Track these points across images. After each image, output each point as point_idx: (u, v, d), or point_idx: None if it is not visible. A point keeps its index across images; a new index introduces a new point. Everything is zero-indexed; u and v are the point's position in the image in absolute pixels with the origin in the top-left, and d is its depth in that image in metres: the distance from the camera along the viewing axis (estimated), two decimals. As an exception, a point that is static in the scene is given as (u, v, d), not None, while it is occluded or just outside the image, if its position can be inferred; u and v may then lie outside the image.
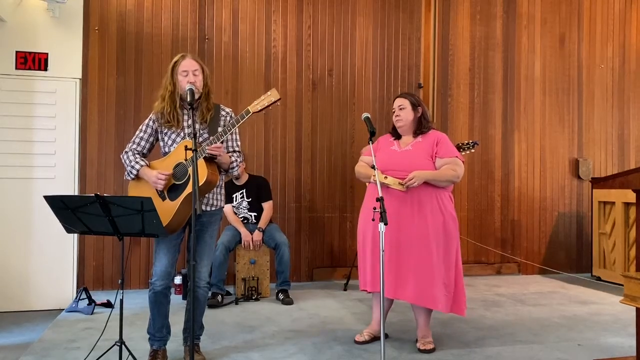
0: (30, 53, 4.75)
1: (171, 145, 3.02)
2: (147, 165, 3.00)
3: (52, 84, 4.82)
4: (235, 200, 4.85)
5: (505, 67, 6.21)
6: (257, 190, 4.88)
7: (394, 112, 3.52)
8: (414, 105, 3.48)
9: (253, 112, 2.89)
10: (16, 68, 4.71)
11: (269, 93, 2.89)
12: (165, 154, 3.05)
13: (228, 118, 3.11)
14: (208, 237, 3.07)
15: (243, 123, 2.93)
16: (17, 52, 4.71)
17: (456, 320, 4.01)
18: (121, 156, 3.08)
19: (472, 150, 4.92)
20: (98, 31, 5.06)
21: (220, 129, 2.98)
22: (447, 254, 3.30)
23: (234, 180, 4.84)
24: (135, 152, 3.05)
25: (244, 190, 4.86)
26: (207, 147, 2.82)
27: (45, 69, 4.79)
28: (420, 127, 3.48)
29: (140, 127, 3.10)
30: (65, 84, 4.88)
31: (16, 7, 4.69)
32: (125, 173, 3.05)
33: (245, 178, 4.88)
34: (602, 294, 5.08)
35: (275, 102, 2.88)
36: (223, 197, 3.16)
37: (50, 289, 4.73)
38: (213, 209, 3.07)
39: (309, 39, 5.65)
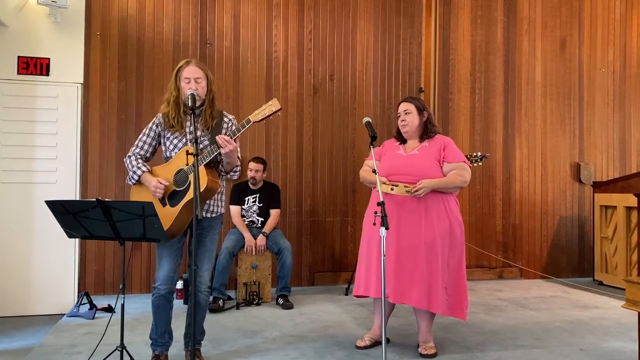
0: (32, 58, 4.77)
1: (172, 150, 3.03)
2: (149, 171, 3.00)
3: (54, 89, 4.84)
4: (247, 203, 4.88)
5: (506, 71, 6.21)
6: (270, 197, 4.94)
7: (399, 116, 3.50)
8: (420, 110, 3.46)
9: (254, 122, 2.90)
10: (18, 73, 4.73)
11: (270, 103, 2.89)
12: (167, 158, 3.06)
13: (231, 124, 3.10)
14: (209, 242, 3.07)
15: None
16: (19, 57, 4.73)
17: (458, 324, 4.00)
18: (124, 160, 3.09)
19: (480, 164, 4.88)
20: (100, 36, 5.08)
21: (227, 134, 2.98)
22: (451, 258, 3.30)
23: (250, 184, 4.87)
24: (138, 156, 3.06)
25: (258, 195, 4.90)
26: (217, 137, 2.82)
27: (47, 74, 4.81)
28: (426, 131, 3.45)
29: (143, 131, 3.11)
30: (67, 88, 4.90)
31: (18, 12, 4.71)
32: (127, 177, 3.06)
33: (260, 184, 4.93)
34: (604, 299, 5.07)
35: (276, 112, 2.89)
36: (223, 204, 3.17)
37: (51, 294, 4.74)
38: (213, 215, 3.08)
39: (310, 44, 5.66)
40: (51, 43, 4.82)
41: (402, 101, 3.57)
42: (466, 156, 4.81)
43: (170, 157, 3.03)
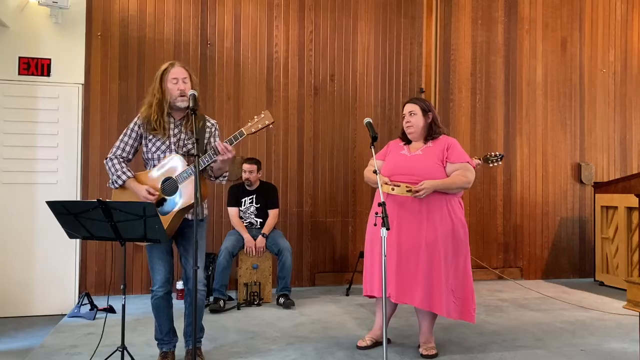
0: (33, 59, 4.77)
1: (155, 152, 3.00)
2: (134, 177, 2.97)
3: (55, 90, 4.84)
4: (244, 205, 4.87)
5: (507, 72, 6.21)
6: (266, 197, 4.91)
7: (403, 117, 3.49)
8: (425, 111, 3.43)
9: (247, 134, 2.91)
10: (19, 74, 4.74)
11: (262, 115, 2.89)
12: (147, 159, 3.04)
13: (214, 129, 3.10)
14: (199, 238, 3.07)
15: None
16: (20, 57, 4.74)
17: (459, 325, 4.00)
18: (105, 162, 3.03)
19: (500, 163, 4.83)
20: (100, 37, 5.08)
21: (215, 141, 3.02)
22: (456, 260, 3.28)
23: (246, 186, 4.87)
24: (121, 159, 3.02)
25: (254, 196, 4.88)
26: (216, 144, 2.82)
27: (48, 75, 4.81)
28: (431, 132, 3.43)
29: (124, 132, 3.06)
30: (68, 89, 4.90)
31: (19, 13, 4.72)
32: (110, 181, 3.01)
33: (256, 184, 4.91)
34: (605, 299, 5.06)
35: (268, 125, 2.89)
36: (206, 205, 3.20)
37: (52, 294, 4.74)
38: (201, 217, 3.09)
39: (311, 44, 5.66)
40: (52, 44, 4.82)
41: (407, 102, 3.55)
42: (486, 156, 4.77)
43: (151, 159, 3.01)
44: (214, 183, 3.13)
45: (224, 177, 3.07)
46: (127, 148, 3.04)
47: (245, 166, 4.83)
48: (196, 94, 2.87)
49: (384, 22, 5.86)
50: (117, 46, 5.13)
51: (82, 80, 4.97)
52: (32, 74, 4.77)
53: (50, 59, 4.81)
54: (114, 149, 3.03)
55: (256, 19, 5.52)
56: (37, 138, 4.77)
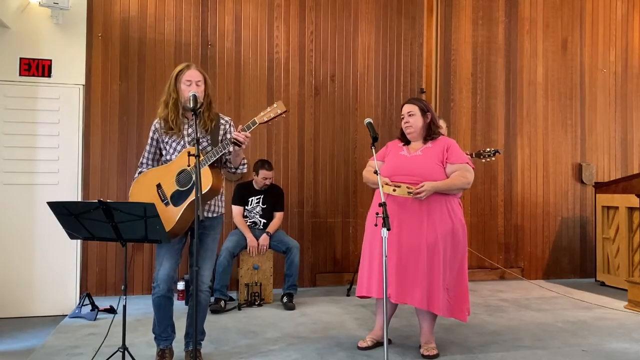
0: (34, 59, 4.78)
1: (172, 153, 3.07)
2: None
3: (55, 91, 4.85)
4: (250, 204, 4.87)
5: (508, 72, 6.21)
6: (274, 199, 4.92)
7: (402, 118, 3.50)
8: (423, 111, 3.45)
9: (260, 123, 2.94)
10: (20, 74, 4.74)
11: (275, 105, 2.94)
12: (167, 161, 3.10)
13: (228, 126, 3.14)
14: (210, 241, 3.11)
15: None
16: (21, 58, 4.74)
17: (459, 325, 4.00)
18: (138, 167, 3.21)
19: (493, 159, 4.87)
20: (101, 37, 5.09)
21: (228, 136, 3.07)
22: (453, 260, 3.29)
23: (254, 185, 4.87)
24: (146, 167, 3.16)
25: (262, 197, 4.88)
26: (234, 133, 2.86)
27: (49, 76, 4.82)
28: (430, 133, 3.45)
29: (148, 140, 3.17)
30: (68, 90, 4.91)
31: (20, 13, 4.72)
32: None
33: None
34: (606, 299, 5.06)
35: (281, 114, 2.94)
36: (224, 204, 3.21)
37: (53, 295, 4.74)
38: (215, 215, 3.12)
39: (312, 45, 5.66)
40: (53, 44, 4.83)
41: (405, 102, 3.57)
42: (479, 152, 4.82)
43: (171, 159, 3.07)
44: (238, 173, 3.16)
45: (244, 164, 3.11)
46: (150, 156, 3.18)
47: (266, 173, 4.79)
48: (197, 94, 2.92)
49: (385, 22, 5.87)
50: (117, 47, 5.14)
51: (82, 81, 4.97)
52: (33, 75, 4.77)
53: (51, 60, 4.82)
54: (142, 157, 3.19)
55: (257, 20, 5.53)
56: (37, 139, 4.78)
